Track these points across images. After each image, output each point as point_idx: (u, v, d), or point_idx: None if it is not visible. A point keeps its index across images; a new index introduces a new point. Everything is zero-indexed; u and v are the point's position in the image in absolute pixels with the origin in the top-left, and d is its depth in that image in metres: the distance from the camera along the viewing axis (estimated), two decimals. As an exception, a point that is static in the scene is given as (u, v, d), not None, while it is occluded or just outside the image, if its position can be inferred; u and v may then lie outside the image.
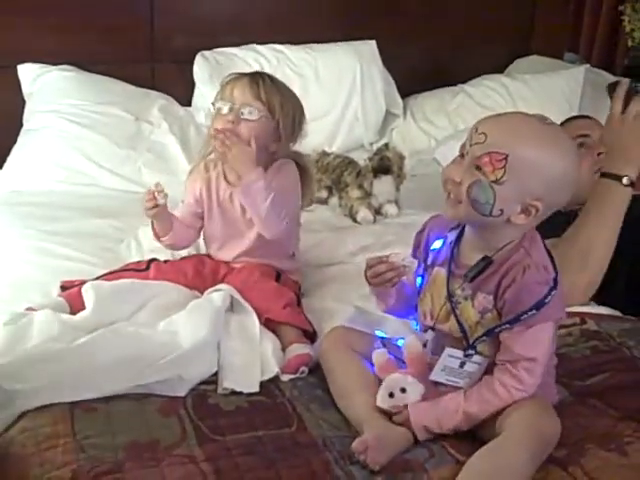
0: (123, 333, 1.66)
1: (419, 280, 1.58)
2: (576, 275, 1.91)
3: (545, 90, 3.14)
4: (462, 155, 1.43)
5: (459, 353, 1.48)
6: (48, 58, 2.85)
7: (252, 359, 1.66)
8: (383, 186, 2.61)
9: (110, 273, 1.96)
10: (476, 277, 1.47)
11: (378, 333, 1.66)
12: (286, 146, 1.96)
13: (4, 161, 2.68)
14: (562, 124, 2.67)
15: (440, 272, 1.53)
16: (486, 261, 1.46)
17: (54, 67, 2.85)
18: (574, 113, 2.93)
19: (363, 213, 2.54)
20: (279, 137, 1.92)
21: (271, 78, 1.95)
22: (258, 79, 1.91)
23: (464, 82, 3.33)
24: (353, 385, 1.56)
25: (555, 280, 1.45)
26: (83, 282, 1.90)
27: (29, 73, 2.84)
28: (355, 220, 2.55)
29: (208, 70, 2.96)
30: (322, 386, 1.64)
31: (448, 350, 1.49)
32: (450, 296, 1.49)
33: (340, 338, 1.64)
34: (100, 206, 2.51)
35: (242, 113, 1.87)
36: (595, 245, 1.92)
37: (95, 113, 2.77)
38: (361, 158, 2.81)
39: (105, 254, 2.21)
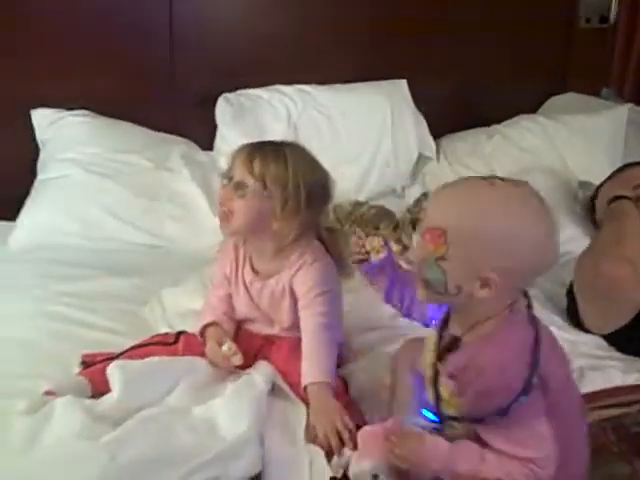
0: (154, 428, 1.47)
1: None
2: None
3: (586, 131, 2.95)
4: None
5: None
6: (63, 102, 2.69)
7: (298, 456, 1.49)
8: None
9: (136, 347, 1.78)
10: (442, 356, 1.33)
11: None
12: (292, 223, 1.72)
13: (17, 213, 2.52)
14: (617, 172, 2.51)
15: (432, 335, 1.39)
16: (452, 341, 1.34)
17: (69, 112, 2.68)
18: (618, 156, 2.77)
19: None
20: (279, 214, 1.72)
21: (277, 148, 1.74)
22: (255, 152, 1.72)
23: (497, 120, 3.16)
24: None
25: (527, 382, 1.23)
26: (106, 356, 1.74)
27: (43, 119, 2.68)
28: (394, 275, 2.39)
29: (230, 112, 2.82)
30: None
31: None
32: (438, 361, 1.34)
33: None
34: (120, 263, 2.34)
35: (236, 190, 1.71)
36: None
37: (113, 161, 2.60)
38: (394, 205, 2.66)
39: (127, 319, 2.03)
